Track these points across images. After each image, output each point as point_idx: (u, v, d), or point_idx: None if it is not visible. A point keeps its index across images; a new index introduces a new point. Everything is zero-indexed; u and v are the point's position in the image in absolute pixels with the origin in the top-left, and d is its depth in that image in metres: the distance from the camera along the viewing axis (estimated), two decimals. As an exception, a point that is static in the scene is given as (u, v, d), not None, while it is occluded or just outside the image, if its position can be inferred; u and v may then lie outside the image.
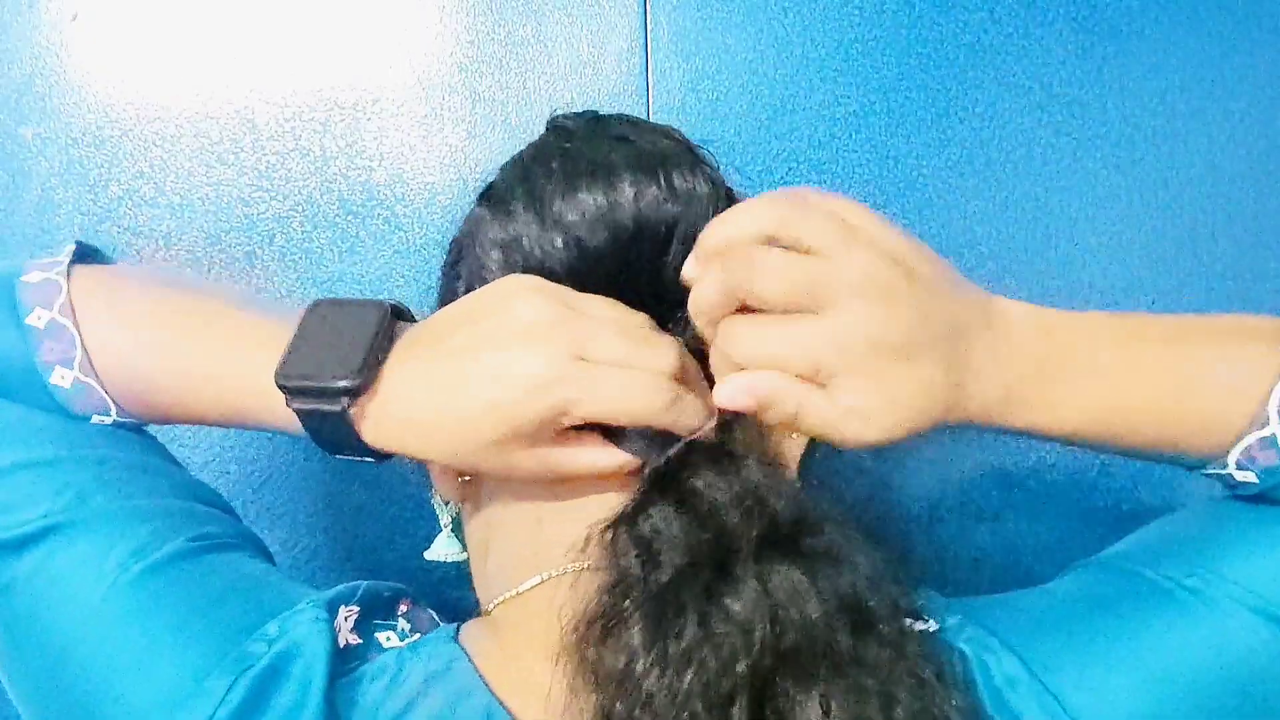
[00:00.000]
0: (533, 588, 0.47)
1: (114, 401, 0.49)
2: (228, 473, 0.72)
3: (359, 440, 0.46)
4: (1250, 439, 0.45)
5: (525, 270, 0.48)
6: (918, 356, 0.42)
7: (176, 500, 0.49)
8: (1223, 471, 0.47)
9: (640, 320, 0.46)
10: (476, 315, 0.45)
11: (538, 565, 0.47)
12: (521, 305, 0.44)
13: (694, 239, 0.45)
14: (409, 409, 0.45)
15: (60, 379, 0.48)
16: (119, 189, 0.72)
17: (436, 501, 0.54)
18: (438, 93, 0.73)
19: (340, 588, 0.48)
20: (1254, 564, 0.44)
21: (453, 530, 0.55)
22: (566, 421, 0.43)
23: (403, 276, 0.73)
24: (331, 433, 0.46)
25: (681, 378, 0.45)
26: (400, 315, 0.48)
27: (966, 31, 0.74)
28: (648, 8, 0.73)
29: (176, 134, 0.72)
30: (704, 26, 0.73)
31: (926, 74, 0.74)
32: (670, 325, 0.48)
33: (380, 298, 0.48)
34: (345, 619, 0.47)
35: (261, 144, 0.73)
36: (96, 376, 0.48)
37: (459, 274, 0.51)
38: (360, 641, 0.47)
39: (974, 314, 0.44)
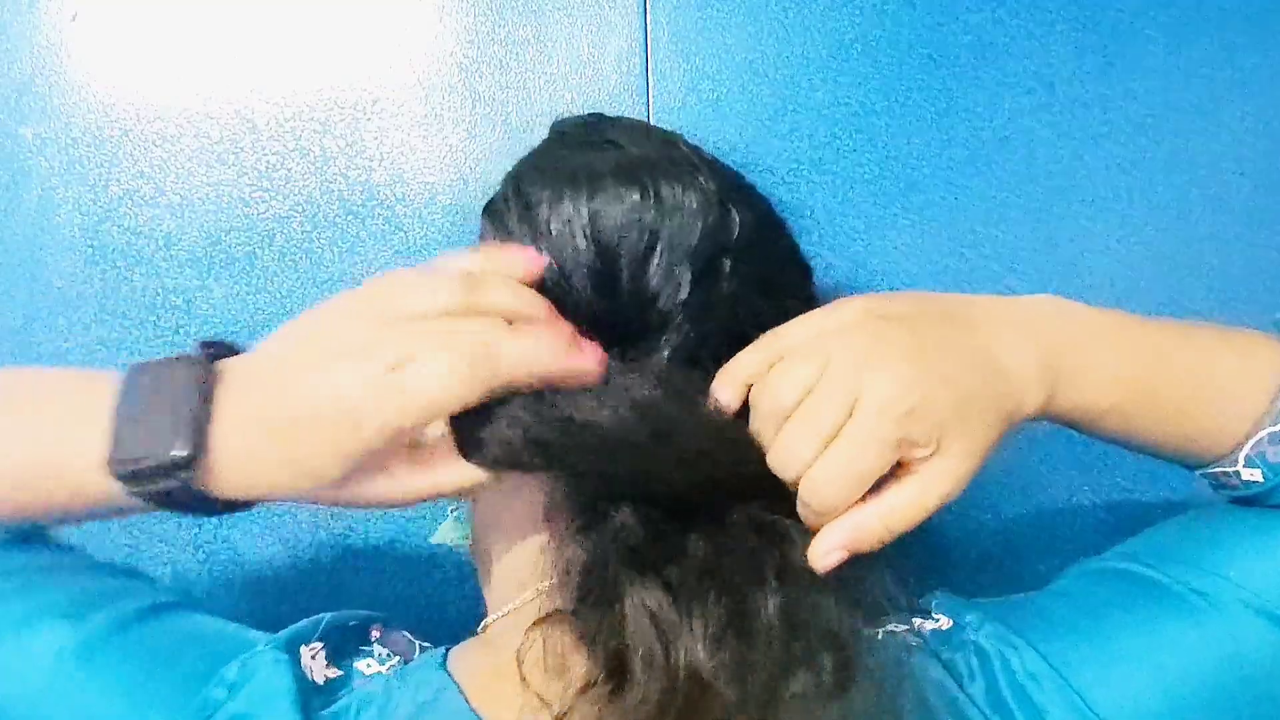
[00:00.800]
0: (525, 604, 0.46)
1: None
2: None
3: (217, 501, 0.42)
4: (1263, 433, 0.46)
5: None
6: (931, 352, 0.42)
7: (92, 581, 0.47)
8: (1230, 469, 0.47)
9: None
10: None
11: (533, 578, 0.46)
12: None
13: (679, 250, 0.45)
14: (250, 455, 0.41)
15: None
16: (119, 189, 0.72)
17: None
18: (438, 93, 0.73)
19: (299, 624, 0.47)
20: (1260, 567, 0.45)
21: (459, 516, 0.54)
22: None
23: (403, 276, 0.73)
24: (187, 504, 0.42)
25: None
26: (218, 354, 0.44)
27: (968, 31, 0.74)
28: (648, 8, 0.73)
29: (176, 134, 0.72)
30: (704, 26, 0.73)
31: (927, 74, 0.73)
32: (648, 343, 0.46)
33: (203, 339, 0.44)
34: (313, 656, 0.46)
35: (261, 144, 0.72)
36: None
37: None
38: (340, 674, 0.46)
39: (972, 307, 0.45)
